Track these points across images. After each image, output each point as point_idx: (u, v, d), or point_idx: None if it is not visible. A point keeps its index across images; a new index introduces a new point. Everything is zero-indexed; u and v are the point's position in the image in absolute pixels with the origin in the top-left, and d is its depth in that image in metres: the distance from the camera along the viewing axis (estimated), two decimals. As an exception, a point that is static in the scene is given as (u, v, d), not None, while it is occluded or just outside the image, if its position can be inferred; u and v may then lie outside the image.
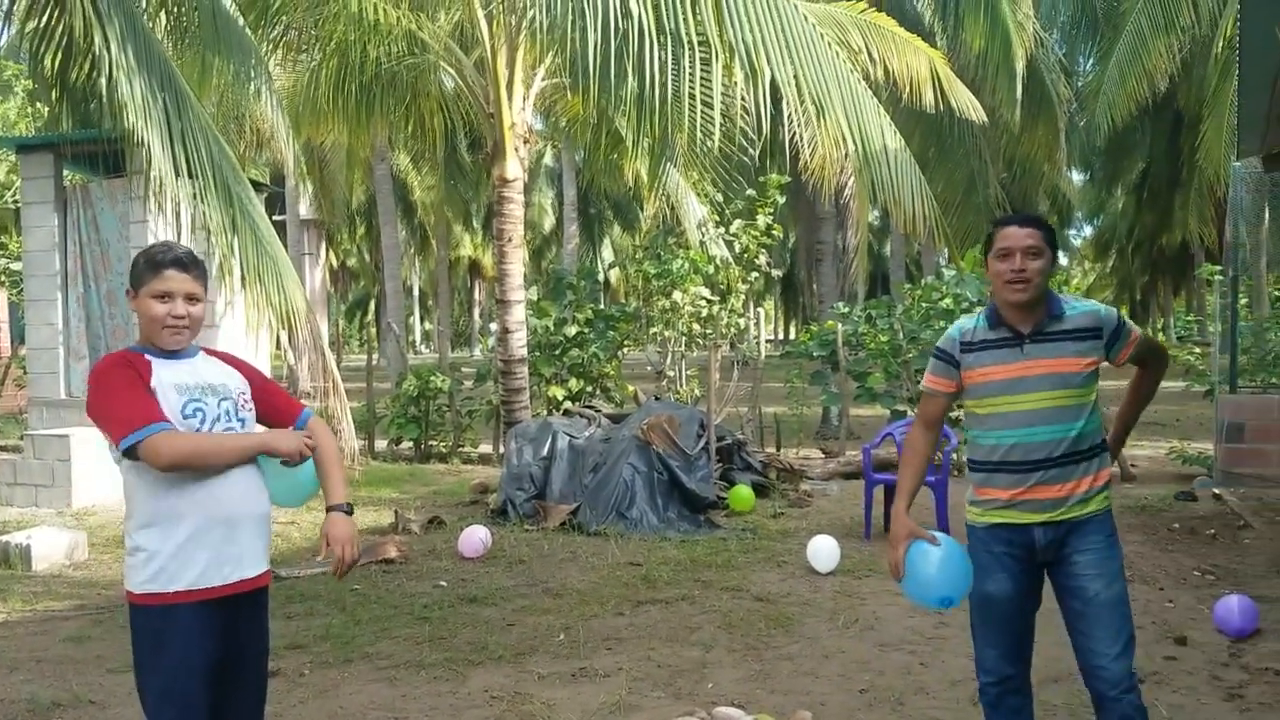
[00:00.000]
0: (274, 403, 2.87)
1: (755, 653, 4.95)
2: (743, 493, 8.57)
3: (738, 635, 5.22)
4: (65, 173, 10.68)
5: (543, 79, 9.37)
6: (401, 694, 4.46)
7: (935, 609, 3.08)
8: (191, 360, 2.73)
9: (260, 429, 2.80)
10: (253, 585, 2.71)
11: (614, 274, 41.38)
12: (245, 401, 2.77)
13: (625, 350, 12.80)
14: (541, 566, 6.79)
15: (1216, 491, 8.65)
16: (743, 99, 7.88)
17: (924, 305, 11.06)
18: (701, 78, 7.81)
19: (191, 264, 2.67)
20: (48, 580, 6.64)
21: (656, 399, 9.83)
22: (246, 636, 2.72)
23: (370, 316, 54.70)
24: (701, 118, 7.87)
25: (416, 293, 53.55)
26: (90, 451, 9.15)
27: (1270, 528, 7.43)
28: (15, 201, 15.09)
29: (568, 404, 11.40)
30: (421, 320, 58.18)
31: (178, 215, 6.40)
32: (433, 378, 12.29)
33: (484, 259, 44.26)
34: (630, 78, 7.29)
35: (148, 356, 2.65)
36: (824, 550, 6.46)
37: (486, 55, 9.30)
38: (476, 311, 54.06)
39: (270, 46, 9.38)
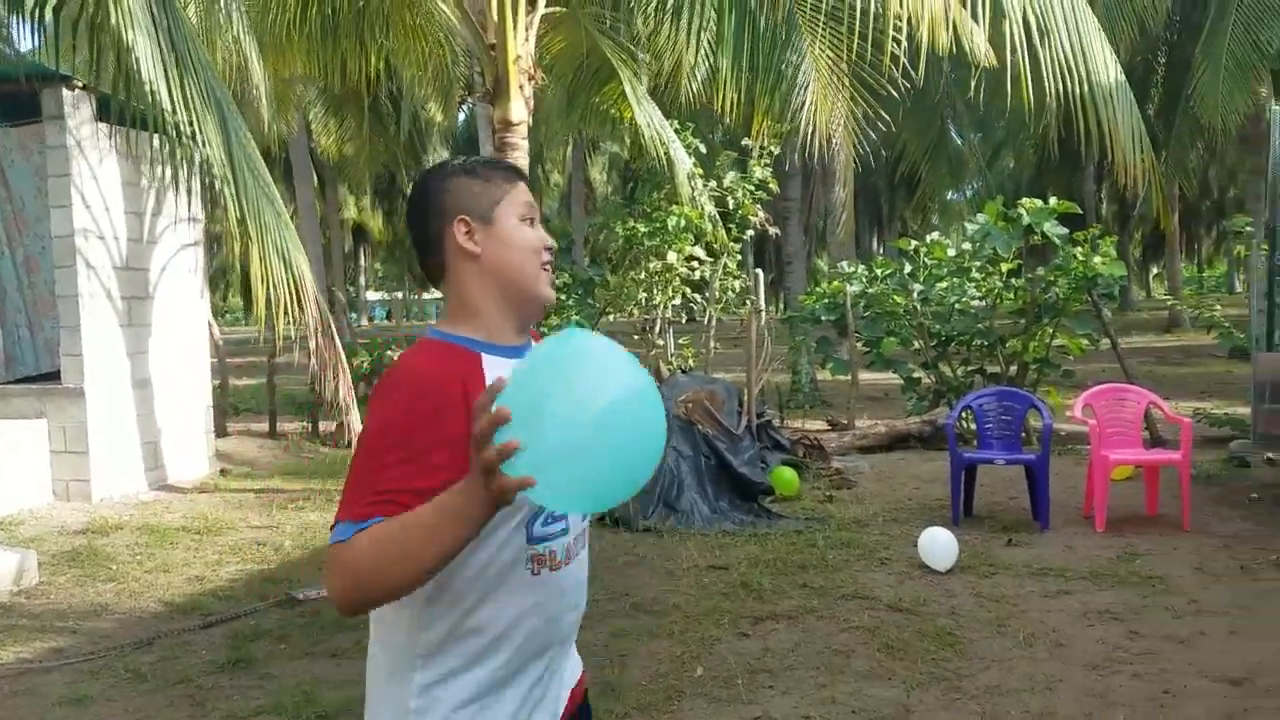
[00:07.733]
0: None
1: (950, 684, 4.11)
2: (786, 475, 7.72)
3: (909, 661, 4.36)
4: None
5: (546, 4, 8.05)
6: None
7: None
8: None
9: None
10: (573, 705, 1.70)
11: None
12: None
13: (609, 318, 11.77)
14: (610, 574, 5.80)
15: (1270, 456, 8.25)
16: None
17: (928, 263, 10.36)
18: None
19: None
20: (1, 615, 5.32)
21: (683, 372, 8.87)
22: None
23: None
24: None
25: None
26: (11, 445, 7.65)
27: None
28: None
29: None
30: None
31: (172, 154, 5.06)
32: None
33: (371, 224, 42.05)
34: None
35: (482, 357, 1.50)
36: (941, 545, 5.66)
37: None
38: (362, 279, 51.70)
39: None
